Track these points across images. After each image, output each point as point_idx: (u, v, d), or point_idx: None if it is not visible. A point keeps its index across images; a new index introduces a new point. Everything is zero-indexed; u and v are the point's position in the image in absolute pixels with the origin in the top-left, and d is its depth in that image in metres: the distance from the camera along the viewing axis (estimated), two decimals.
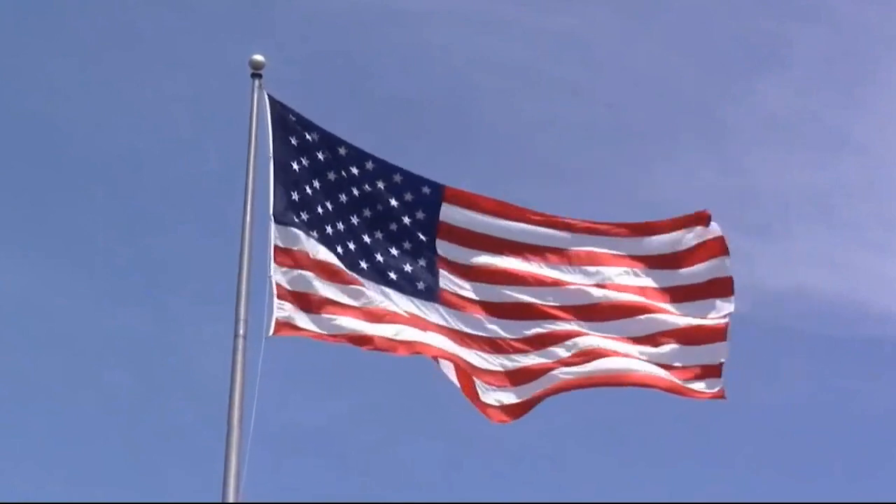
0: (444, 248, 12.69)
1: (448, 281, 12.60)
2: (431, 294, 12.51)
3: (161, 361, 27.61)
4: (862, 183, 31.48)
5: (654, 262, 12.95)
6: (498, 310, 12.56)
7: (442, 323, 12.37)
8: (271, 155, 12.30)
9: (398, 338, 12.01)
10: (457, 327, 12.42)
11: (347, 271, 12.14)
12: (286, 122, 12.53)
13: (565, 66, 31.71)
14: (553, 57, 31.63)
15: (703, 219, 13.06)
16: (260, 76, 12.61)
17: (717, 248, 12.98)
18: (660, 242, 12.96)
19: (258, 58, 12.67)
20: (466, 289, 12.58)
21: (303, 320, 11.77)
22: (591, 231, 12.90)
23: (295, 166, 12.44)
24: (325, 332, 11.82)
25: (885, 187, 30.96)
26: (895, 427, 28.25)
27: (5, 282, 27.92)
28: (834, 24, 31.99)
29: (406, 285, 12.42)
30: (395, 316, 12.14)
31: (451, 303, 12.52)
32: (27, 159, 30.38)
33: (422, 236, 12.70)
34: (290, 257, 11.96)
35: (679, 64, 31.89)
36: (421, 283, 12.52)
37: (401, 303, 12.26)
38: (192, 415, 25.79)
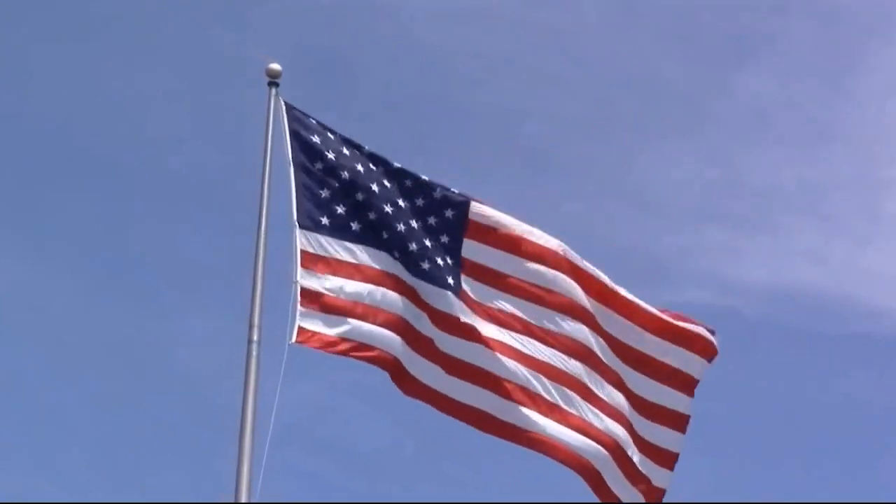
0: (469, 249, 12.63)
1: (469, 285, 12.50)
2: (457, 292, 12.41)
3: (160, 361, 27.66)
4: (849, 176, 31.56)
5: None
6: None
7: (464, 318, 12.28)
8: (290, 160, 12.25)
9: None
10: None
11: (375, 266, 12.14)
12: (305, 126, 12.48)
13: (551, 57, 31.76)
14: (539, 49, 31.69)
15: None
16: (277, 84, 12.53)
17: (706, 349, 13.04)
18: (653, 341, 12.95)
19: (275, 66, 12.56)
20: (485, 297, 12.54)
21: (328, 327, 11.72)
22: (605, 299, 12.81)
23: (318, 166, 12.37)
24: (350, 344, 11.79)
25: (873, 180, 31.05)
26: (887, 423, 28.33)
27: (3, 281, 27.96)
28: (820, 16, 32.06)
29: (438, 276, 12.33)
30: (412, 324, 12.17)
31: (469, 304, 12.41)
32: (24, 158, 30.41)
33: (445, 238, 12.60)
34: (318, 262, 11.95)
35: (665, 55, 31.93)
36: (450, 278, 12.42)
37: (431, 295, 12.22)
38: (191, 414, 25.84)
